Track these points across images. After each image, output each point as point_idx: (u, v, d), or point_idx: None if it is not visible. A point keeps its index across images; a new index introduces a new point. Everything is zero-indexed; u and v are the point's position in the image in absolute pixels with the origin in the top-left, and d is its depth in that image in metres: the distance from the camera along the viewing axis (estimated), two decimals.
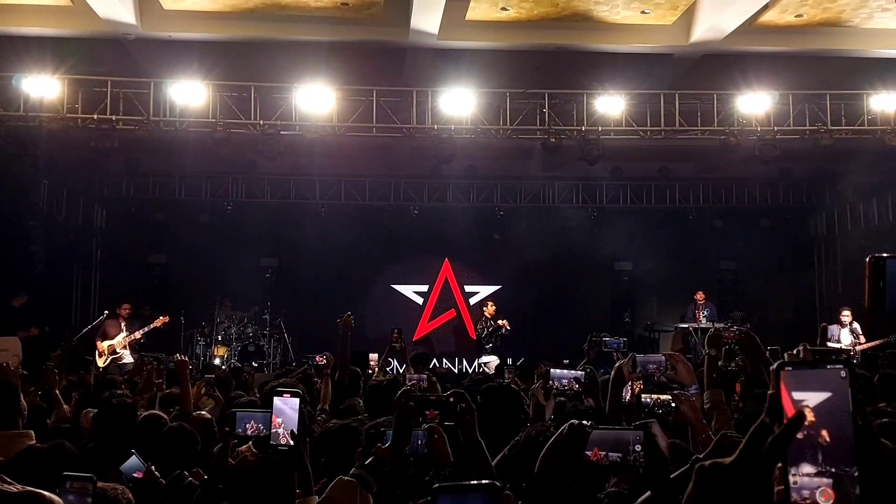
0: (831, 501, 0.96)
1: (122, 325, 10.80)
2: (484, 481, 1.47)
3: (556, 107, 11.15)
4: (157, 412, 4.18)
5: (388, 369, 9.57)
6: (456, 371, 13.26)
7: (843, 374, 1.01)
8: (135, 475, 2.92)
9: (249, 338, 13.21)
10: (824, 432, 0.98)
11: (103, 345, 10.59)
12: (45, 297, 11.80)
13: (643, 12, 9.93)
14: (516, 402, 3.67)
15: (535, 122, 11.14)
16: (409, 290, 15.22)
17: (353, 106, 10.86)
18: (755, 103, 10.90)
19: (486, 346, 11.99)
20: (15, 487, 1.51)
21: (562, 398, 4.63)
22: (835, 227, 14.81)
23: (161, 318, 11.00)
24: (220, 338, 12.94)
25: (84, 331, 10.99)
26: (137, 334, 10.78)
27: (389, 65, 11.12)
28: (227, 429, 2.74)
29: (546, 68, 11.12)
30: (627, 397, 3.91)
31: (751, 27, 9.90)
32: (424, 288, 15.21)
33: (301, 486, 2.48)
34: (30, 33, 10.10)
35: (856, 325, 10.78)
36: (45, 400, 5.08)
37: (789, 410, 1.00)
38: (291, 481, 2.44)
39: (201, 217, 14.38)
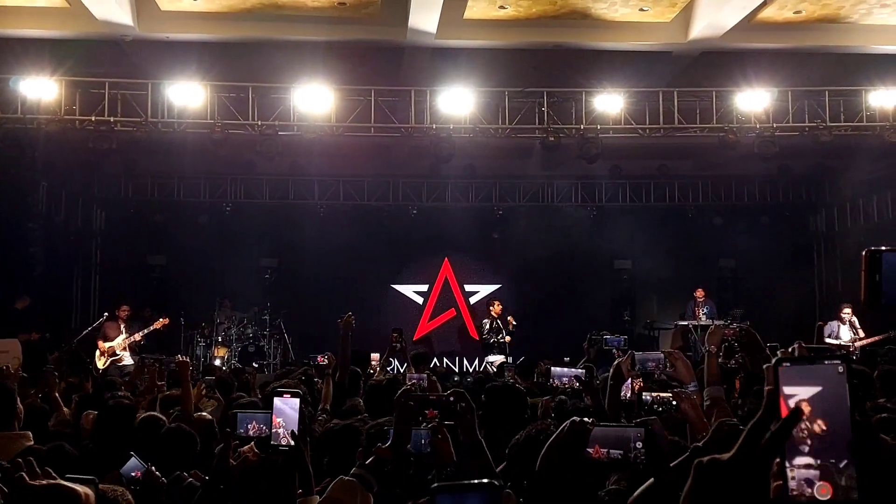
0: (829, 496, 0.97)
1: (122, 326, 10.81)
2: (483, 480, 1.47)
3: (555, 105, 11.15)
4: (155, 413, 4.18)
5: (388, 369, 9.56)
6: (456, 370, 13.27)
7: (840, 369, 1.01)
8: (133, 475, 2.92)
9: (249, 338, 13.22)
10: (822, 428, 0.99)
11: (104, 345, 10.60)
12: (44, 300, 11.80)
13: (641, 10, 9.93)
14: (520, 401, 3.68)
15: (534, 121, 11.14)
16: (408, 290, 15.22)
17: (352, 106, 10.85)
18: (754, 100, 10.90)
19: (495, 346, 11.93)
20: (45, 480, 1.52)
21: (562, 396, 4.63)
22: (834, 223, 14.82)
23: (161, 319, 11.01)
24: (220, 339, 12.95)
25: (84, 333, 11.00)
26: (137, 336, 10.79)
27: (387, 64, 11.12)
28: (229, 429, 2.74)
29: (544, 67, 11.12)
30: (628, 395, 3.92)
31: (749, 24, 9.89)
32: (424, 287, 15.21)
33: (302, 485, 2.48)
34: (27, 35, 10.09)
35: (855, 321, 10.79)
36: (45, 402, 5.08)
37: (786, 406, 1.00)
38: (292, 481, 2.45)
39: (200, 218, 14.38)
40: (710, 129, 11.22)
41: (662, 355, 3.83)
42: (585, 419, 1.85)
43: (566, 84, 11.14)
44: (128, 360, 10.54)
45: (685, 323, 12.84)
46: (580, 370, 4.75)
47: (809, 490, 0.97)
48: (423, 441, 2.48)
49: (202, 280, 13.92)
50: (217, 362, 12.18)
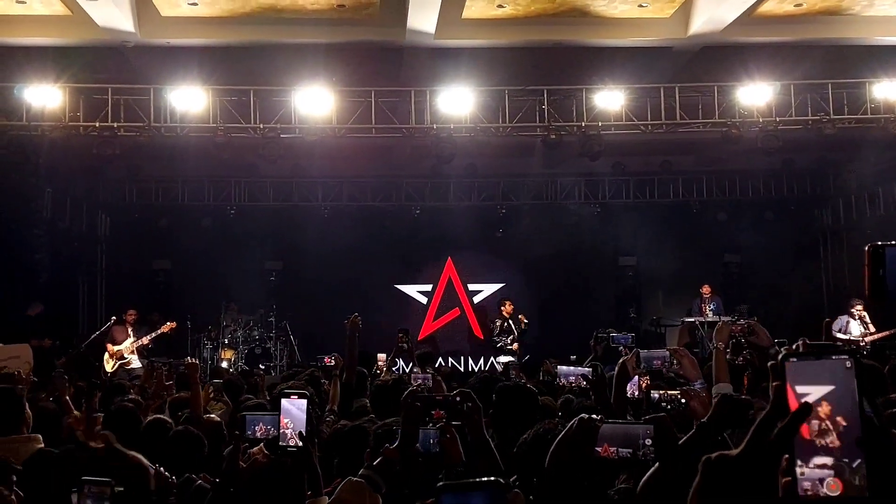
0: (839, 492, 0.96)
1: (129, 330, 10.86)
2: (488, 479, 1.48)
3: (556, 103, 11.13)
4: (162, 416, 4.19)
5: (393, 369, 9.58)
6: (462, 369, 13.27)
7: (848, 364, 1.01)
8: None
9: (255, 341, 13.25)
10: (830, 423, 0.98)
11: (113, 348, 10.66)
12: (51, 306, 11.84)
13: (640, 6, 9.91)
14: (531, 401, 3.67)
15: (535, 119, 11.13)
16: (412, 290, 15.22)
17: (352, 107, 10.87)
18: (756, 94, 10.86)
19: (508, 346, 11.93)
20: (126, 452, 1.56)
21: (569, 395, 4.63)
22: (840, 217, 14.76)
23: (168, 323, 11.06)
24: (226, 341, 12.98)
25: (92, 337, 11.05)
26: (145, 339, 10.83)
27: (387, 65, 11.13)
28: (238, 432, 2.75)
29: (544, 64, 11.11)
30: (636, 393, 3.91)
31: (750, 18, 9.87)
32: (428, 287, 15.21)
33: (311, 487, 2.49)
34: (31, 43, 10.15)
35: (867, 316, 10.71)
36: (56, 405, 5.09)
37: (794, 402, 1.00)
38: (301, 482, 2.46)
39: (204, 221, 14.41)
40: (713, 125, 11.18)
41: (668, 353, 3.83)
42: (594, 416, 1.85)
43: (567, 81, 11.13)
44: (136, 363, 10.59)
45: (692, 319, 12.81)
46: (586, 369, 4.75)
47: (819, 486, 0.97)
48: (431, 441, 2.48)
49: (207, 283, 13.94)
50: (224, 365, 12.21)
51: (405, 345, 10.59)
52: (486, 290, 15.07)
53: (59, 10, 9.68)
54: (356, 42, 10.39)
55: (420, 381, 4.89)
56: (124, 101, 10.55)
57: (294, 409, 2.47)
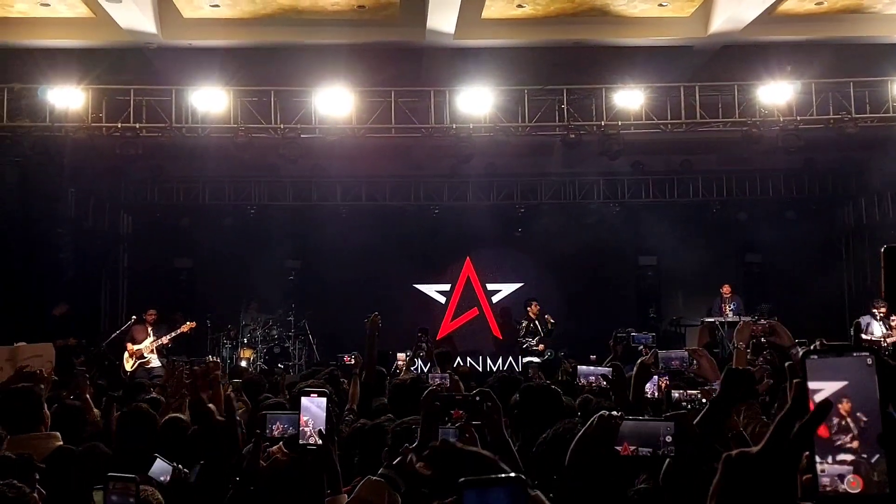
0: (859, 489, 0.96)
1: (149, 329, 10.97)
2: (509, 474, 1.48)
3: (575, 102, 11.10)
4: (177, 415, 4.21)
5: (412, 368, 9.60)
6: (480, 369, 13.27)
7: (868, 361, 1.00)
8: (162, 479, 2.96)
9: (275, 340, 13.32)
10: (851, 420, 0.98)
11: (133, 348, 10.77)
12: (74, 305, 12.00)
13: (660, 5, 9.86)
14: (556, 401, 3.67)
15: (554, 119, 11.10)
16: (431, 290, 15.24)
17: (372, 107, 10.91)
18: (777, 93, 10.76)
19: (534, 346, 11.95)
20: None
21: (588, 395, 4.61)
22: (862, 216, 14.56)
23: (188, 323, 11.16)
24: (245, 340, 13.07)
25: (112, 336, 11.18)
26: (165, 339, 10.94)
27: (407, 65, 11.15)
28: (258, 431, 2.77)
29: (563, 64, 11.08)
30: (656, 394, 3.89)
31: (770, 16, 9.78)
32: (447, 287, 15.23)
33: (330, 485, 2.50)
34: (54, 45, 10.29)
35: (893, 318, 10.56)
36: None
37: (814, 399, 1.00)
38: (321, 481, 2.47)
39: (225, 221, 14.52)
40: (733, 124, 11.09)
41: (686, 353, 3.80)
42: (614, 412, 1.85)
43: (586, 81, 11.08)
44: (155, 362, 10.70)
45: (712, 319, 12.71)
46: (607, 369, 4.73)
47: (840, 484, 0.97)
48: (451, 440, 2.49)
49: (228, 282, 14.06)
50: (243, 364, 12.30)
51: (424, 344, 10.62)
52: (505, 289, 15.05)
53: (83, 12, 9.81)
54: (376, 43, 10.43)
55: (438, 381, 4.90)
56: (146, 101, 10.67)
57: (314, 407, 2.48)
